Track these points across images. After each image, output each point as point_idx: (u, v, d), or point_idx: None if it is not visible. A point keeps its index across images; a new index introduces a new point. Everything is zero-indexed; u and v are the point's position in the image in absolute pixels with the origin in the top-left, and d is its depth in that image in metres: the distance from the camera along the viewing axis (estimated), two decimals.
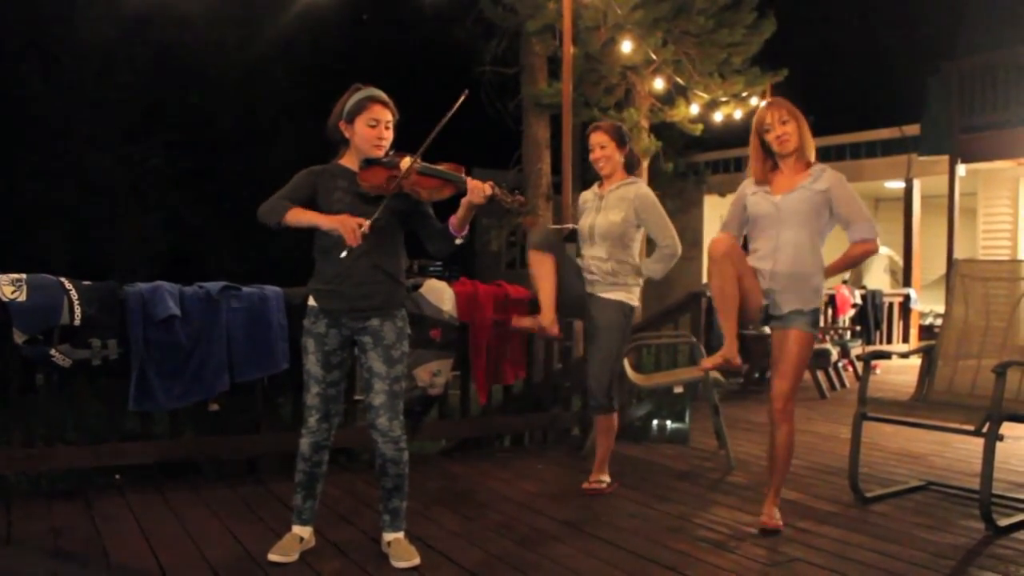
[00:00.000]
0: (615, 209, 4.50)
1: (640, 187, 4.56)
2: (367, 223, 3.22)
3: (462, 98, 3.26)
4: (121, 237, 18.45)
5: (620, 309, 4.50)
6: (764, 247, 3.92)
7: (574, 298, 4.56)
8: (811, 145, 3.91)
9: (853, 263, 4.05)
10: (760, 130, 3.90)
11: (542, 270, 4.50)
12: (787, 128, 3.83)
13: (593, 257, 4.53)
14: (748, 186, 4.03)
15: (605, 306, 4.49)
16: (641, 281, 4.59)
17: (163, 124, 18.82)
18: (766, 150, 3.93)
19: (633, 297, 4.54)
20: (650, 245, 4.68)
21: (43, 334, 4.08)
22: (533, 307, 5.55)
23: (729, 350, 3.92)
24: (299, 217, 3.31)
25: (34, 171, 17.58)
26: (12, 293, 4.02)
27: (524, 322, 4.73)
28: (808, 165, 3.90)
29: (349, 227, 3.20)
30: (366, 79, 3.52)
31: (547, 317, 4.53)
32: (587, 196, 4.73)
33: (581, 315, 4.66)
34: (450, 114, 3.23)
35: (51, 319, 4.09)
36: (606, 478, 4.63)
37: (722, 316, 3.95)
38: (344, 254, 3.23)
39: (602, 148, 4.55)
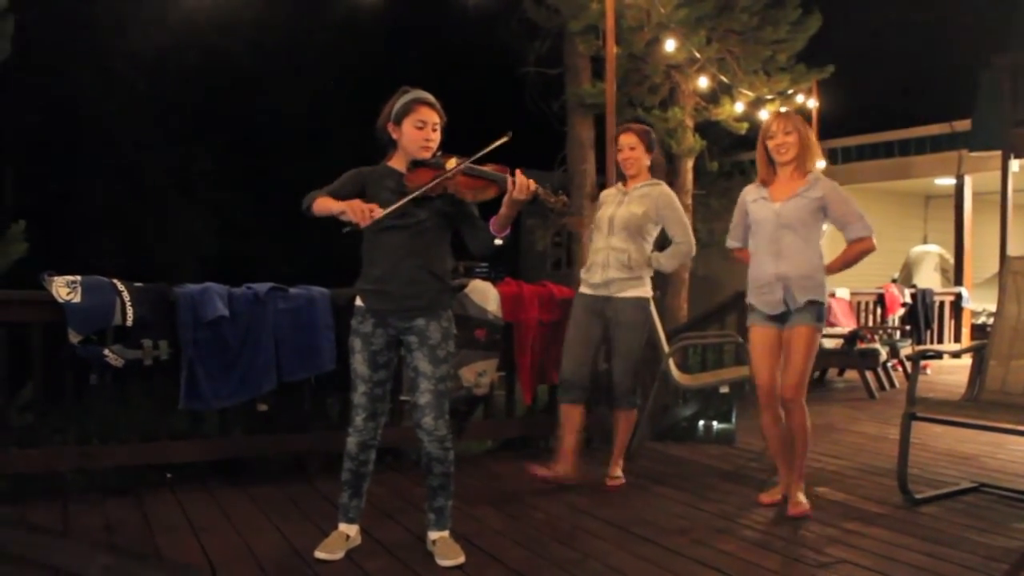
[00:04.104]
0: (637, 203, 4.64)
1: (663, 187, 4.73)
2: (378, 209, 3.26)
3: (504, 139, 3.35)
4: (171, 239, 18.76)
5: (639, 305, 4.65)
6: (767, 251, 4.18)
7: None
8: (813, 157, 4.17)
9: (852, 262, 4.23)
10: (765, 136, 4.18)
11: (572, 422, 4.68)
12: (788, 139, 4.11)
13: (612, 248, 4.62)
14: (749, 193, 4.33)
15: (625, 306, 4.61)
16: (652, 272, 4.70)
17: (213, 128, 19.11)
18: (769, 156, 4.20)
19: (647, 289, 4.69)
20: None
21: (97, 335, 4.17)
22: None
23: (786, 485, 4.27)
24: (321, 205, 3.35)
25: (88, 175, 17.96)
26: (67, 295, 4.12)
27: (542, 472, 4.63)
28: (806, 174, 4.14)
29: (358, 209, 3.24)
30: (410, 81, 3.56)
31: (570, 469, 4.63)
32: (610, 192, 4.88)
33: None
34: (492, 147, 3.35)
35: (105, 320, 4.18)
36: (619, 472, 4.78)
37: (776, 455, 4.32)
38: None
39: (631, 149, 4.69)
